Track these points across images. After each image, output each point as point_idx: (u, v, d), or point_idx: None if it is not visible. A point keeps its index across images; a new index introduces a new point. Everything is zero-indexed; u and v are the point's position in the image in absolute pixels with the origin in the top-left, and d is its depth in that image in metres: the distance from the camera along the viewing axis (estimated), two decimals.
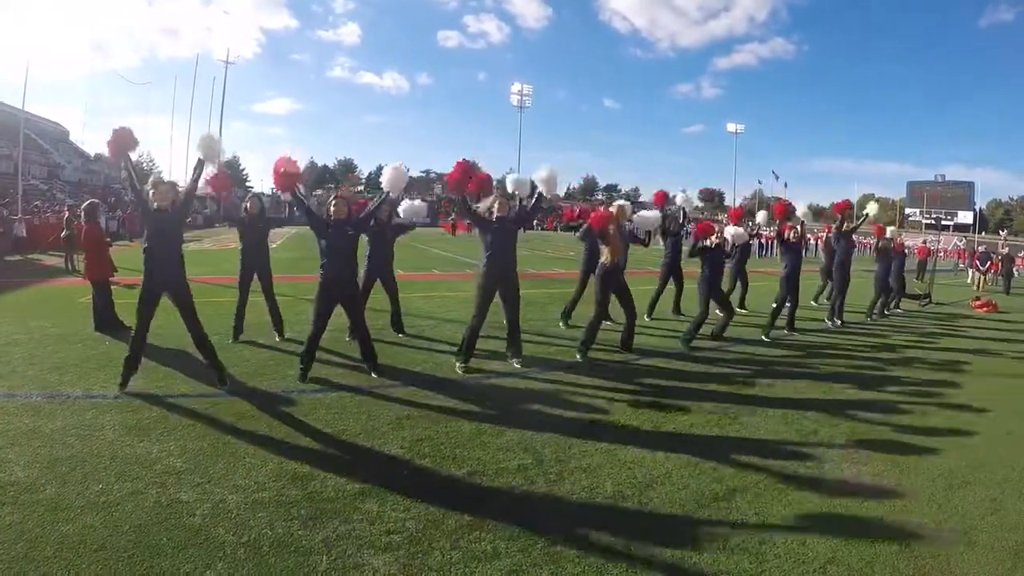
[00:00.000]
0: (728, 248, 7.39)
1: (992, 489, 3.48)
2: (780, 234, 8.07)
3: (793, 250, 7.84)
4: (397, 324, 6.93)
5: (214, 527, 2.72)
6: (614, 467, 3.55)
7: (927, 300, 12.34)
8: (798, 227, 8.04)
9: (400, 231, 6.89)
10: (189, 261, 4.81)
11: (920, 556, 2.73)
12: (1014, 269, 17.93)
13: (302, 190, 5.03)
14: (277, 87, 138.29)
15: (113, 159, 4.72)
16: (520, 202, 5.60)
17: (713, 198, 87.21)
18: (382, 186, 5.42)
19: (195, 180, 4.81)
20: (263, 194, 60.32)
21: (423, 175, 77.86)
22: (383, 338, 6.35)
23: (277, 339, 6.37)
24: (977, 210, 64.16)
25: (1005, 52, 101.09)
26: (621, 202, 6.59)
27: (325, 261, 4.97)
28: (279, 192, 5.11)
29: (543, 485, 3.29)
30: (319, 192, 64.49)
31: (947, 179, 66.30)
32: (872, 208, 9.92)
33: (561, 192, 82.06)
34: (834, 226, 9.67)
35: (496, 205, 5.45)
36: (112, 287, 6.97)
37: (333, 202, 5.10)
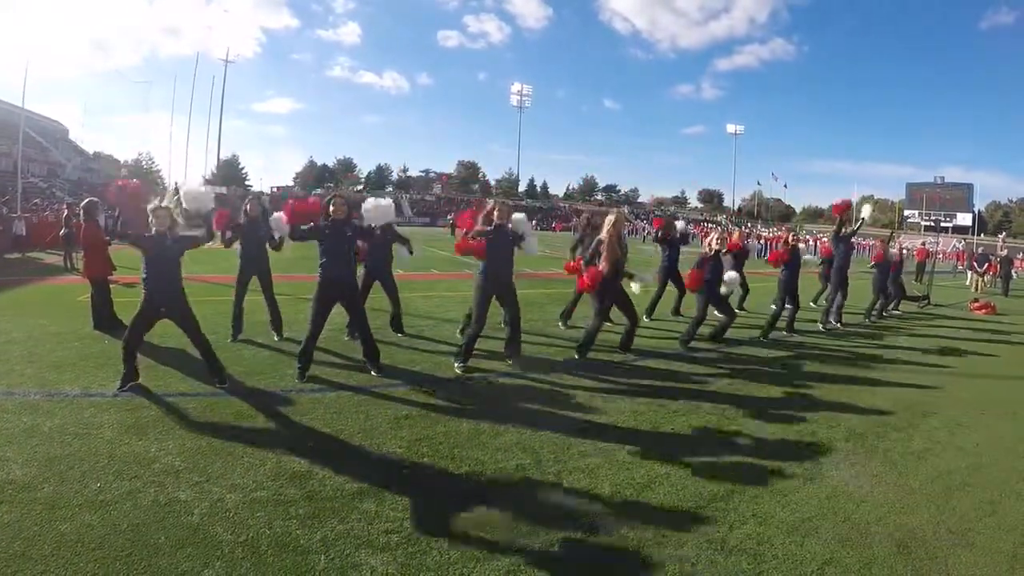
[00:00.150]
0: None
1: (990, 491, 3.48)
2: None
3: (794, 254, 7.86)
4: (397, 324, 6.93)
5: (212, 526, 2.72)
6: (612, 467, 3.55)
7: (926, 302, 12.36)
8: (797, 232, 8.05)
9: (397, 238, 6.90)
10: (188, 259, 4.80)
11: (918, 558, 2.73)
12: (1012, 271, 17.94)
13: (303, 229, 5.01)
14: (277, 86, 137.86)
15: (115, 200, 4.68)
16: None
17: (712, 199, 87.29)
18: (364, 216, 5.20)
19: (199, 238, 4.77)
20: (263, 194, 60.39)
21: (423, 175, 77.85)
22: (382, 338, 6.33)
23: (276, 338, 6.37)
24: (976, 212, 64.22)
25: (1005, 54, 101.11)
26: (616, 211, 6.55)
27: (324, 261, 4.97)
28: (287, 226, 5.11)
29: (541, 485, 3.28)
30: (318, 191, 64.52)
31: (946, 181, 66.36)
32: (867, 211, 9.90)
33: (561, 192, 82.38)
34: (831, 230, 9.65)
35: (496, 212, 5.46)
36: (111, 285, 6.96)
37: (332, 201, 5.08)
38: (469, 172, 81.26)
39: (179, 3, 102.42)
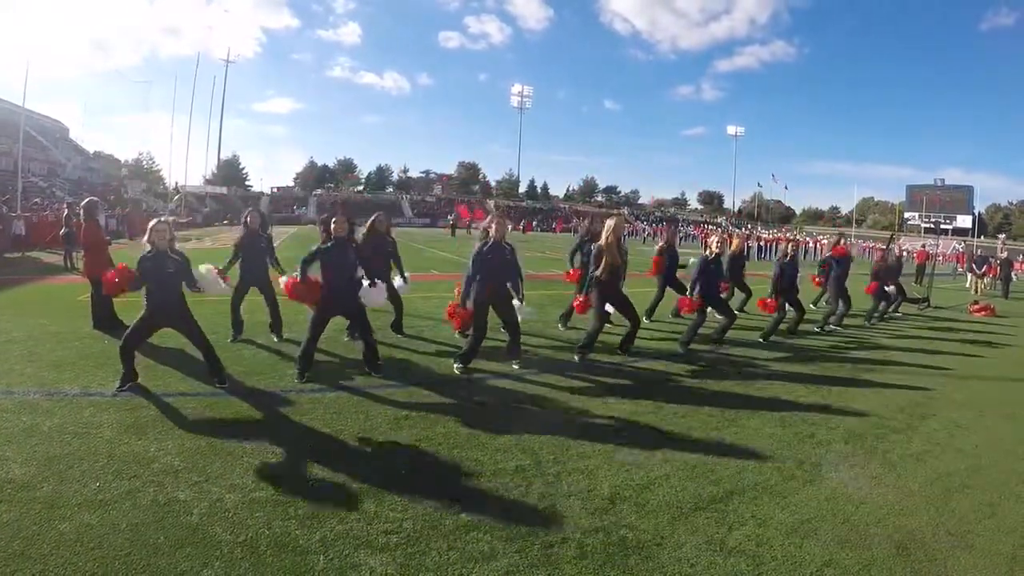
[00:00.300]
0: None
1: (989, 493, 3.48)
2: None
3: (791, 262, 7.89)
4: (397, 326, 6.94)
5: (211, 526, 2.72)
6: (612, 469, 3.55)
7: (926, 304, 12.36)
8: (798, 237, 8.09)
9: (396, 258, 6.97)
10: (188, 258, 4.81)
11: (917, 559, 2.73)
12: (1012, 274, 17.94)
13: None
14: (277, 86, 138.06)
15: (111, 291, 4.71)
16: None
17: (712, 201, 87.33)
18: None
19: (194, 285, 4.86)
20: (263, 193, 60.31)
21: (423, 176, 77.88)
22: (382, 339, 6.34)
23: (275, 339, 6.37)
24: (976, 214, 64.26)
25: (1005, 56, 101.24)
26: (615, 215, 6.57)
27: (327, 278, 5.01)
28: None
29: (540, 486, 3.29)
30: (319, 192, 64.54)
31: (946, 183, 66.39)
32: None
33: (561, 193, 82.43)
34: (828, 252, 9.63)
35: (494, 226, 5.46)
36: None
37: (334, 220, 5.10)
38: (469, 173, 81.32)
39: (179, 3, 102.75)
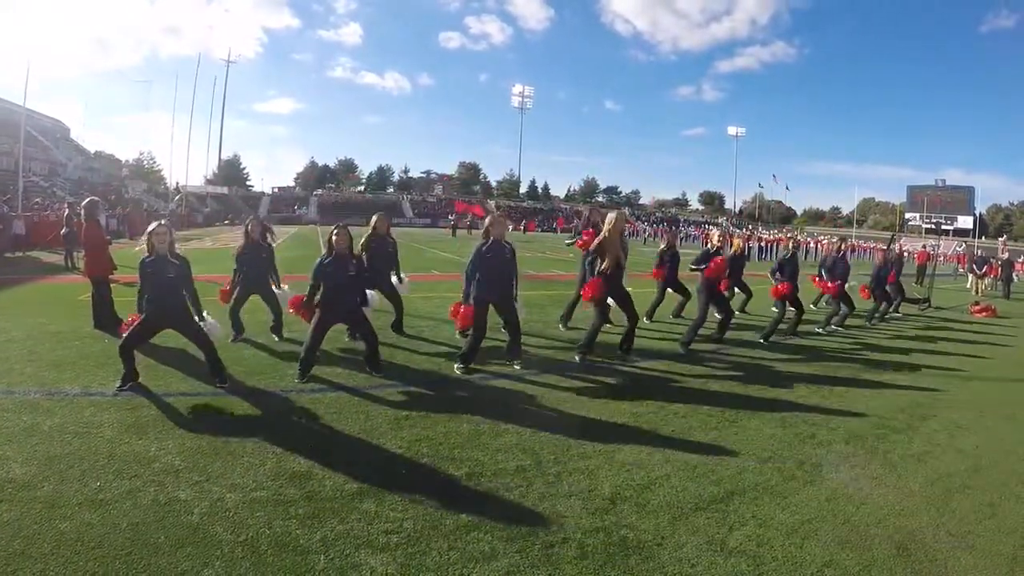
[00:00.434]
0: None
1: (989, 493, 3.48)
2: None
3: (791, 260, 7.89)
4: (397, 326, 6.94)
5: (212, 525, 2.72)
6: (612, 469, 3.55)
7: (926, 305, 12.35)
8: (797, 236, 8.10)
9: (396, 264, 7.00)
10: (188, 258, 4.81)
11: (917, 560, 2.73)
12: (1013, 274, 17.92)
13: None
14: (278, 86, 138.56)
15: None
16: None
17: (713, 201, 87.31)
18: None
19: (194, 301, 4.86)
20: (264, 194, 60.25)
21: (424, 176, 77.94)
22: (383, 339, 6.33)
23: (276, 340, 6.37)
24: (977, 215, 64.23)
25: (1005, 57, 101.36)
26: (617, 210, 6.57)
27: (327, 290, 5.02)
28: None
29: (541, 486, 3.29)
30: (320, 192, 64.60)
31: (947, 183, 66.36)
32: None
33: (562, 193, 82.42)
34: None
35: (494, 226, 5.47)
36: (112, 285, 6.97)
37: (335, 232, 5.09)
38: (470, 173, 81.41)
39: (180, 3, 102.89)
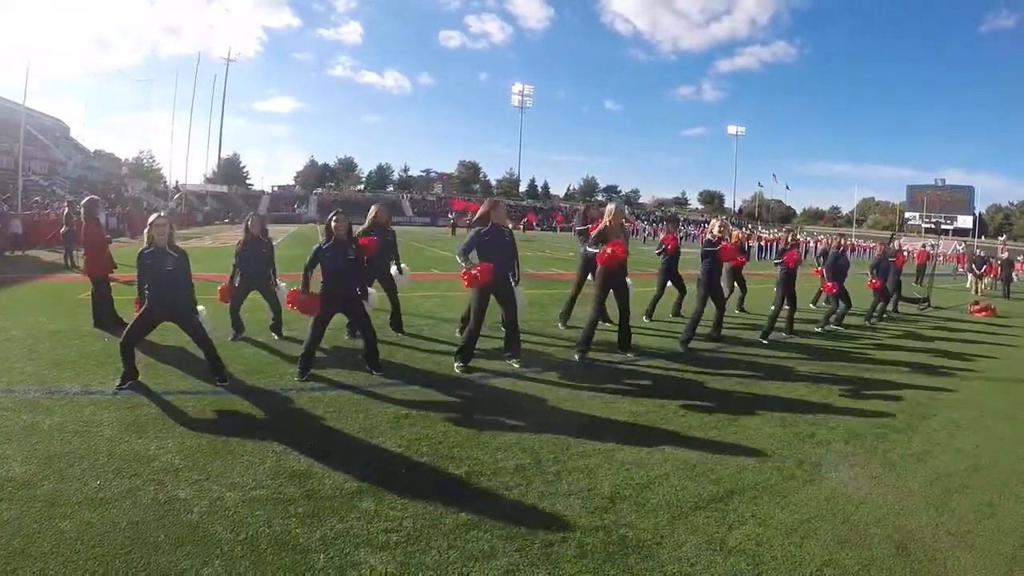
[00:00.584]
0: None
1: (989, 493, 3.48)
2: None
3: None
4: (396, 324, 6.94)
5: (211, 524, 2.72)
6: (612, 468, 3.55)
7: (926, 304, 12.35)
8: (796, 233, 8.11)
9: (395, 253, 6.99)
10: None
11: (917, 559, 2.73)
12: (1013, 274, 17.93)
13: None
14: (278, 85, 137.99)
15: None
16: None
17: (712, 200, 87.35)
18: None
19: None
20: (263, 192, 60.20)
21: (424, 175, 77.90)
22: (382, 337, 6.34)
23: (276, 338, 6.37)
24: (977, 215, 64.22)
25: (1005, 57, 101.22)
26: (613, 205, 6.57)
27: (327, 277, 5.00)
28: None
29: (541, 485, 3.29)
30: (320, 190, 64.55)
31: (947, 183, 66.34)
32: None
33: (562, 192, 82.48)
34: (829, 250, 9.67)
35: (495, 212, 5.47)
36: (112, 283, 6.97)
37: (334, 218, 5.09)
38: (470, 172, 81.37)
39: (180, 2, 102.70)
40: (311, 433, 3.89)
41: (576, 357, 5.99)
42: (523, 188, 79.64)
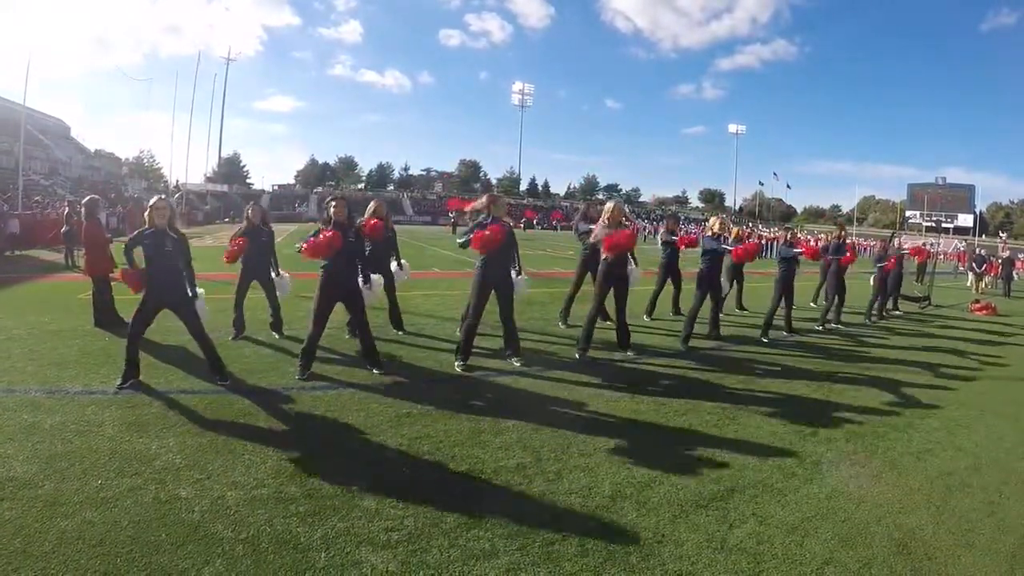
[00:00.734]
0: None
1: (990, 492, 3.48)
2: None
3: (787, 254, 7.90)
4: (396, 322, 6.93)
5: (213, 523, 2.73)
6: (612, 466, 3.55)
7: (927, 303, 12.34)
8: (795, 230, 8.09)
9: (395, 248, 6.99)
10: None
11: (917, 558, 2.74)
12: (1014, 272, 17.91)
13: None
14: (278, 85, 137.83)
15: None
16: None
17: (713, 199, 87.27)
18: None
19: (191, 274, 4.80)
20: (263, 191, 60.28)
21: (424, 174, 77.87)
22: (383, 336, 6.35)
23: (276, 337, 6.37)
24: (977, 213, 64.13)
25: (1006, 55, 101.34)
26: (612, 202, 6.59)
27: (326, 263, 4.97)
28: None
29: (542, 484, 3.29)
30: (319, 190, 64.52)
31: (947, 182, 66.20)
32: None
33: (562, 191, 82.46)
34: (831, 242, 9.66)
35: (495, 207, 5.47)
36: (112, 283, 6.97)
37: (333, 203, 5.08)
38: (470, 171, 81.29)
39: (181, 1, 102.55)
40: (312, 432, 3.90)
41: (577, 355, 6.00)
42: (524, 187, 79.63)
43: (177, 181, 50.13)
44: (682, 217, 66.04)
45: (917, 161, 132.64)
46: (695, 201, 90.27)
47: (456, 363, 5.47)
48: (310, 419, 4.11)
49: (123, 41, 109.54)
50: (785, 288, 7.73)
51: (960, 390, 5.71)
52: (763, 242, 30.39)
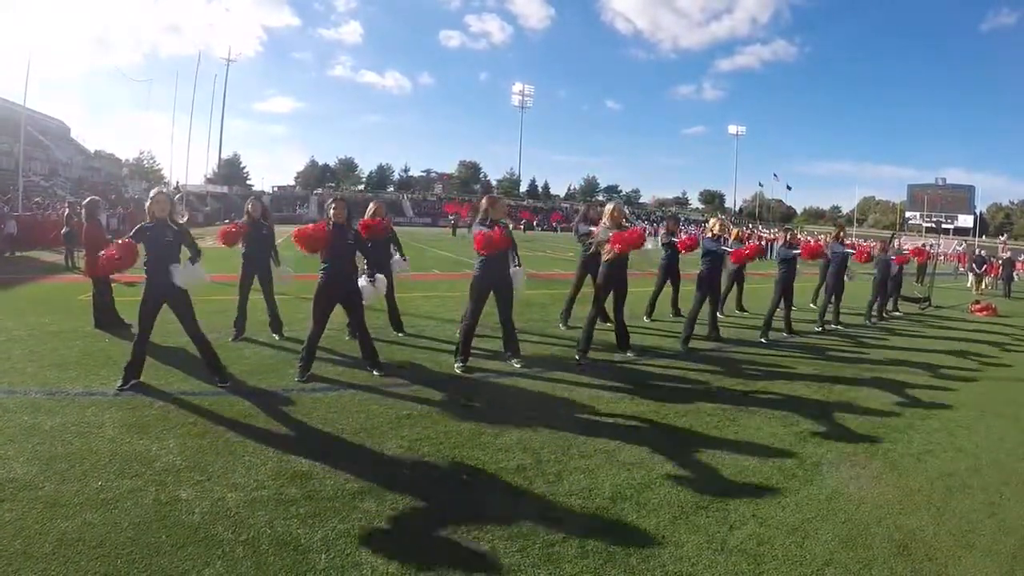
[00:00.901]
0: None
1: (990, 493, 3.48)
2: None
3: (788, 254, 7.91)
4: (396, 323, 6.93)
5: (213, 525, 2.73)
6: (613, 468, 3.55)
7: (927, 304, 12.35)
8: (795, 231, 8.10)
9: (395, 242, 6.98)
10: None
11: (918, 559, 2.73)
12: (1014, 273, 17.92)
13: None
14: (278, 85, 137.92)
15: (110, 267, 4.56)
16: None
17: (713, 200, 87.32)
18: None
19: (195, 252, 4.78)
20: (263, 192, 60.29)
21: (424, 175, 77.92)
22: (383, 337, 6.35)
23: (276, 338, 6.37)
24: (977, 214, 64.12)
25: (1006, 55, 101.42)
26: (612, 204, 6.59)
27: (326, 263, 4.98)
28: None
29: (542, 485, 3.29)
30: (319, 191, 64.54)
31: (947, 182, 66.22)
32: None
33: (562, 192, 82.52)
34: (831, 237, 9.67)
35: (494, 209, 5.48)
36: (112, 284, 6.97)
37: (332, 204, 5.08)
38: (470, 172, 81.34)
39: (181, 1, 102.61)
40: (312, 434, 3.90)
41: (577, 357, 6.00)
42: (524, 188, 79.68)
43: (177, 182, 50.14)
44: (682, 218, 66.21)
45: (917, 162, 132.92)
46: (695, 202, 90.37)
47: (456, 364, 5.47)
48: (310, 420, 4.10)
49: (123, 41, 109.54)
50: (785, 289, 7.74)
51: (960, 391, 5.71)
52: (763, 243, 30.45)
